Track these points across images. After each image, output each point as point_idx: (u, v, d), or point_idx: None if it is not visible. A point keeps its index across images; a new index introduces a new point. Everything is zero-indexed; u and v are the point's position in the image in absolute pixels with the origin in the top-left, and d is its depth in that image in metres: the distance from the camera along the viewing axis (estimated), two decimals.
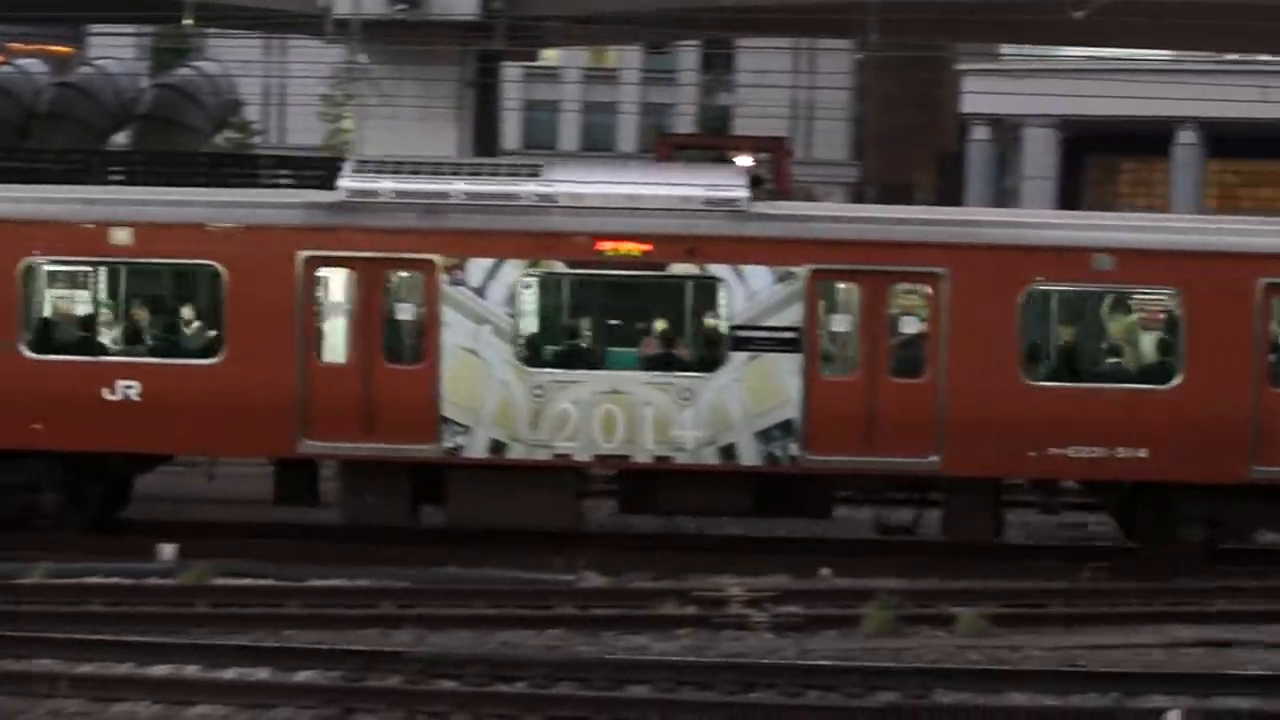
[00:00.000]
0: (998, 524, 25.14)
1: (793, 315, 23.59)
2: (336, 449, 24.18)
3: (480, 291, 23.66)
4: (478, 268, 23.67)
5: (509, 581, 23.14)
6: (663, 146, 46.89)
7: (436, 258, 23.70)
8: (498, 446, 23.78)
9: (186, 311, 24.67)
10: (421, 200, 23.96)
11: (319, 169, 26.42)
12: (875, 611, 21.11)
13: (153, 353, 24.35)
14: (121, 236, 23.97)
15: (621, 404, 23.70)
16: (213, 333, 24.20)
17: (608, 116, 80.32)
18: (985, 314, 23.66)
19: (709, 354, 24.05)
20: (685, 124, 76.63)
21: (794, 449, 23.69)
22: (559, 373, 23.86)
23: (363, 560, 23.73)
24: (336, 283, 24.06)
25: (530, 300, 24.35)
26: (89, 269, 24.65)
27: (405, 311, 24.14)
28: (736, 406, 23.64)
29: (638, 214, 23.85)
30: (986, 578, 23.93)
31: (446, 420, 23.76)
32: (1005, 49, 59.86)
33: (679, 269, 23.90)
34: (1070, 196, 61.72)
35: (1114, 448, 23.75)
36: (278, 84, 74.18)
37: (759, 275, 23.58)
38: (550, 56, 70.56)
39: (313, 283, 23.91)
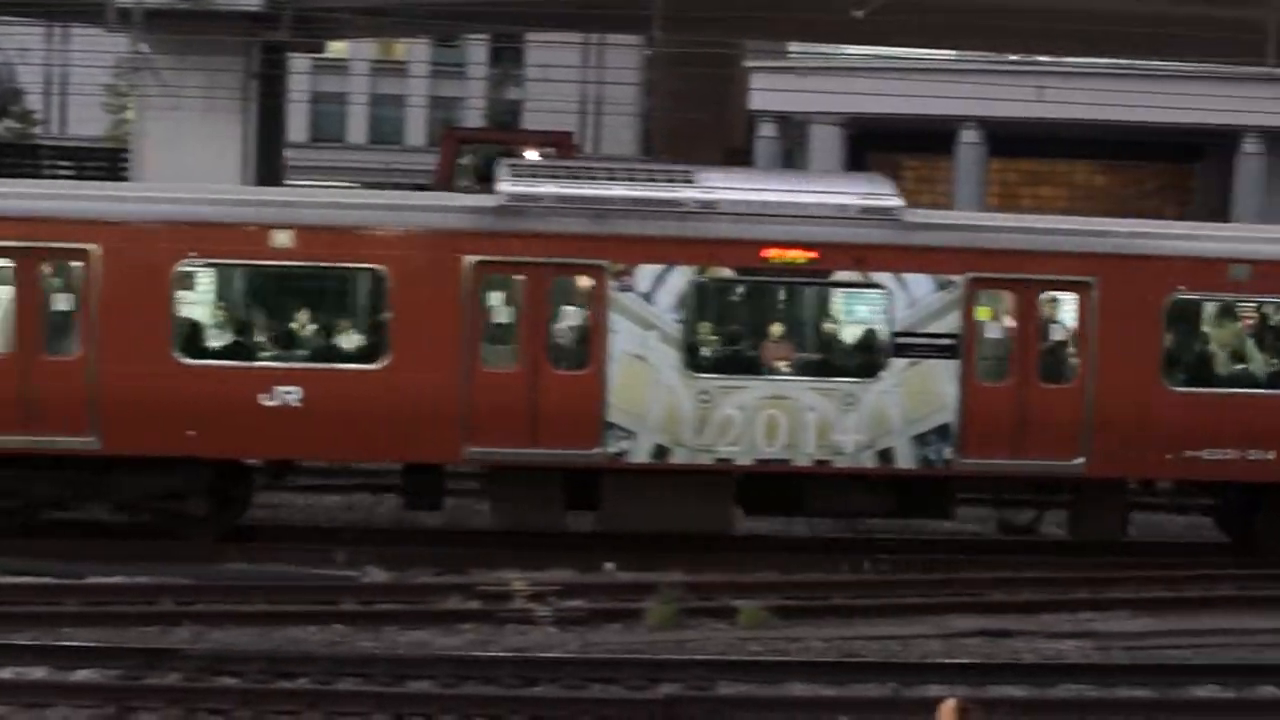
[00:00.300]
0: (1124, 523, 25.92)
1: (951, 322, 24.04)
2: (500, 455, 24.00)
3: (648, 297, 23.71)
4: (646, 273, 23.69)
5: (292, 577, 22.98)
6: (449, 140, 46.72)
7: (605, 263, 23.66)
8: (661, 451, 23.88)
9: (349, 315, 24.51)
10: (586, 205, 23.82)
11: (102, 160, 25.90)
12: (658, 605, 21.26)
13: (314, 358, 23.88)
14: (282, 239, 23.46)
15: (785, 409, 23.91)
16: (376, 338, 23.86)
17: (396, 109, 79.89)
18: (1130, 322, 24.30)
19: (871, 360, 24.29)
20: (474, 118, 76.43)
21: (948, 453, 24.12)
22: (725, 378, 23.95)
23: (144, 558, 23.44)
24: (503, 288, 24.04)
25: (697, 306, 24.29)
26: (247, 272, 24.35)
27: (572, 317, 24.13)
28: (896, 411, 24.01)
29: (802, 221, 24.00)
30: (768, 571, 24.17)
31: (611, 425, 23.77)
32: (792, 47, 60.30)
33: (844, 276, 24.22)
34: None
35: (1245, 450, 24.47)
36: (59, 73, 72.83)
37: (920, 283, 23.97)
38: (338, 48, 69.97)
39: (479, 287, 23.68)
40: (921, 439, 24.04)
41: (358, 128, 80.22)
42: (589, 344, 23.79)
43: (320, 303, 24.64)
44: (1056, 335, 24.63)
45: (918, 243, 24.08)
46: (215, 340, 24.01)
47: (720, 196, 24.04)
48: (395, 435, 23.57)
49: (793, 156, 64.02)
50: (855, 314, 25.01)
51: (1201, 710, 18.47)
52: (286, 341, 24.13)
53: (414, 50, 78.34)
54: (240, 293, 24.73)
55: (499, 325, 23.97)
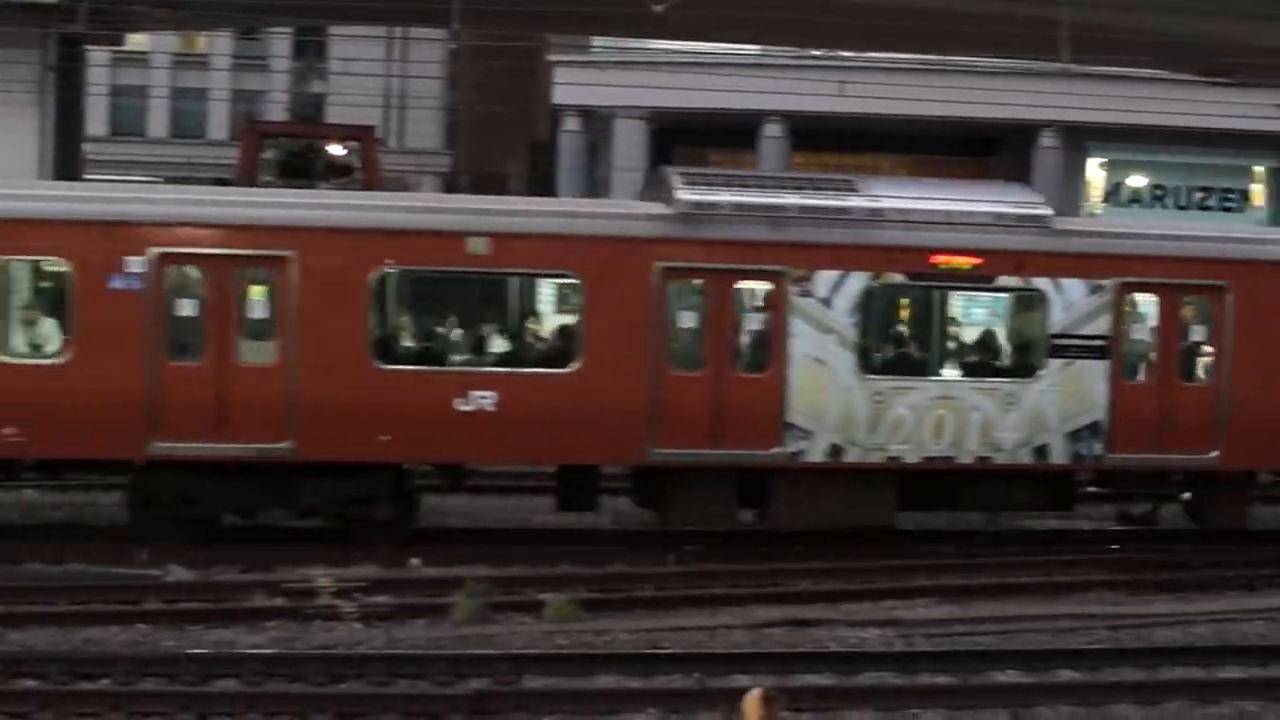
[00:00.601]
0: (1245, 514, 27.24)
1: (1102, 325, 25.33)
2: (685, 456, 24.48)
3: (827, 302, 24.57)
4: (825, 279, 24.52)
5: (93, 577, 22.63)
6: (250, 134, 46.10)
7: (786, 269, 24.36)
8: (836, 450, 24.69)
9: (542, 320, 25.23)
10: (764, 213, 24.48)
11: None
12: (464, 600, 21.22)
13: (507, 362, 24.38)
14: (478, 246, 23.80)
15: (951, 408, 24.94)
16: (567, 342, 24.48)
17: (198, 103, 78.78)
18: (1262, 325, 25.74)
19: (1030, 361, 25.50)
20: (277, 111, 75.63)
21: (1098, 448, 25.40)
22: (897, 379, 24.88)
23: None
24: (688, 293, 24.72)
25: (871, 310, 25.10)
26: (443, 278, 24.81)
27: (754, 321, 24.93)
28: (1052, 410, 25.20)
29: (967, 229, 25.01)
30: (575, 564, 24.23)
31: (790, 426, 24.48)
32: (595, 41, 60.35)
33: (1006, 281, 25.43)
34: None
35: None
36: None
37: (1074, 288, 25.22)
38: (138, 41, 68.86)
39: (665, 293, 24.20)
40: (1074, 435, 25.35)
41: (159, 121, 79.00)
42: (769, 347, 24.61)
43: (514, 308, 25.52)
44: (1195, 337, 26.24)
45: (1071, 249, 25.43)
46: (411, 346, 24.56)
47: (888, 205, 25.04)
48: (584, 438, 24.10)
49: (597, 150, 64.10)
50: (1016, 317, 26.59)
51: (1003, 695, 18.75)
52: (481, 346, 24.78)
53: (216, 43, 77.34)
54: (436, 298, 25.49)
55: (685, 330, 24.66)
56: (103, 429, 23.07)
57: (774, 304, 24.60)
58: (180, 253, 23.41)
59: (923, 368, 25.37)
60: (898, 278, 25.06)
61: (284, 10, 44.24)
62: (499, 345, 24.82)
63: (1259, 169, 64.72)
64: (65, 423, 23.00)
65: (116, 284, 23.15)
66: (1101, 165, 63.95)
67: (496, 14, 37.12)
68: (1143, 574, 24.98)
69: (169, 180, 58.28)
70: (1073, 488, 26.56)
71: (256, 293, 23.82)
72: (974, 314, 27.12)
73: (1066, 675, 19.68)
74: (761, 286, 24.82)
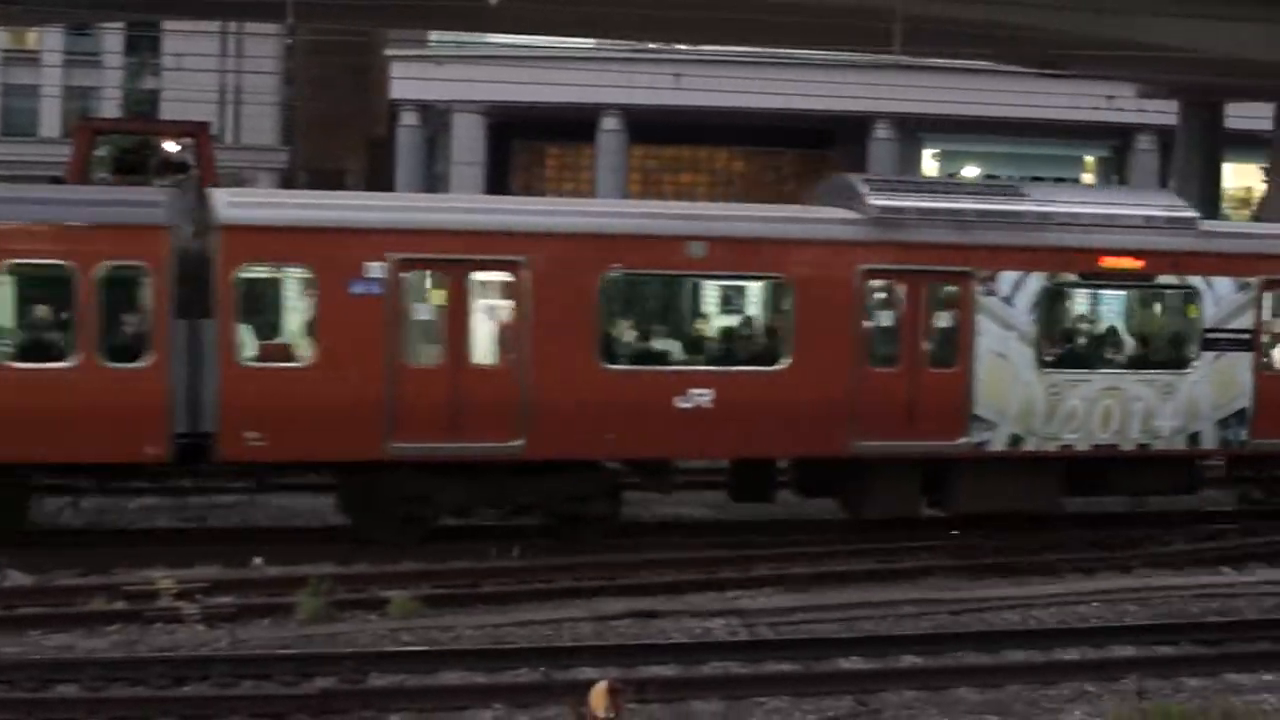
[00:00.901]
0: None
1: (1247, 319, 26.92)
2: (884, 448, 25.44)
3: (1009, 301, 25.85)
4: (1007, 279, 25.80)
5: None
6: (83, 131, 45.52)
7: (973, 270, 25.63)
8: (1015, 440, 26.01)
9: (752, 321, 25.96)
10: (948, 218, 25.75)
11: None
12: (308, 598, 21.07)
13: (723, 361, 25.06)
14: (697, 250, 24.54)
15: (1117, 399, 26.34)
16: (777, 341, 25.26)
17: (29, 100, 77.55)
18: None
19: (1185, 354, 26.97)
20: (110, 108, 74.63)
21: (1243, 434, 27.04)
22: (1070, 372, 26.24)
23: None
24: (885, 293, 25.69)
25: (1048, 308, 26.38)
26: (664, 281, 25.64)
27: (943, 319, 25.85)
28: (1205, 399, 26.69)
29: (1130, 231, 26.48)
30: (418, 560, 24.13)
31: (977, 418, 25.75)
32: (433, 35, 60.18)
33: (1165, 280, 27.00)
34: (498, 182, 62.61)
35: None
36: None
37: (1224, 285, 26.75)
38: None
39: (865, 293, 25.37)
40: (1223, 423, 26.85)
41: None
42: (957, 344, 25.76)
43: (729, 309, 26.48)
44: None
45: (1219, 249, 27.03)
46: (635, 346, 25.12)
47: (1055, 209, 26.43)
48: (791, 432, 25.03)
49: (435, 145, 63.93)
50: (1174, 313, 28.08)
51: (847, 681, 18.94)
52: (699, 346, 25.46)
53: (47, 39, 76.16)
54: (658, 300, 26.21)
55: (883, 329, 25.69)
56: (343, 431, 23.52)
57: (962, 303, 25.81)
58: (417, 258, 23.84)
59: (1092, 361, 26.75)
60: (1071, 277, 26.60)
61: (116, 5, 43.71)
62: (714, 345, 25.63)
63: (1089, 158, 65.89)
64: (307, 426, 23.36)
65: (357, 289, 23.52)
66: (935, 156, 64.81)
67: (332, 8, 36.88)
68: (982, 559, 25.29)
69: None
70: (1198, 472, 27.91)
71: (491, 295, 24.55)
72: (1138, 310, 28.51)
73: (909, 660, 19.93)
74: (951, 287, 25.92)
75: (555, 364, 24.04)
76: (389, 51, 61.97)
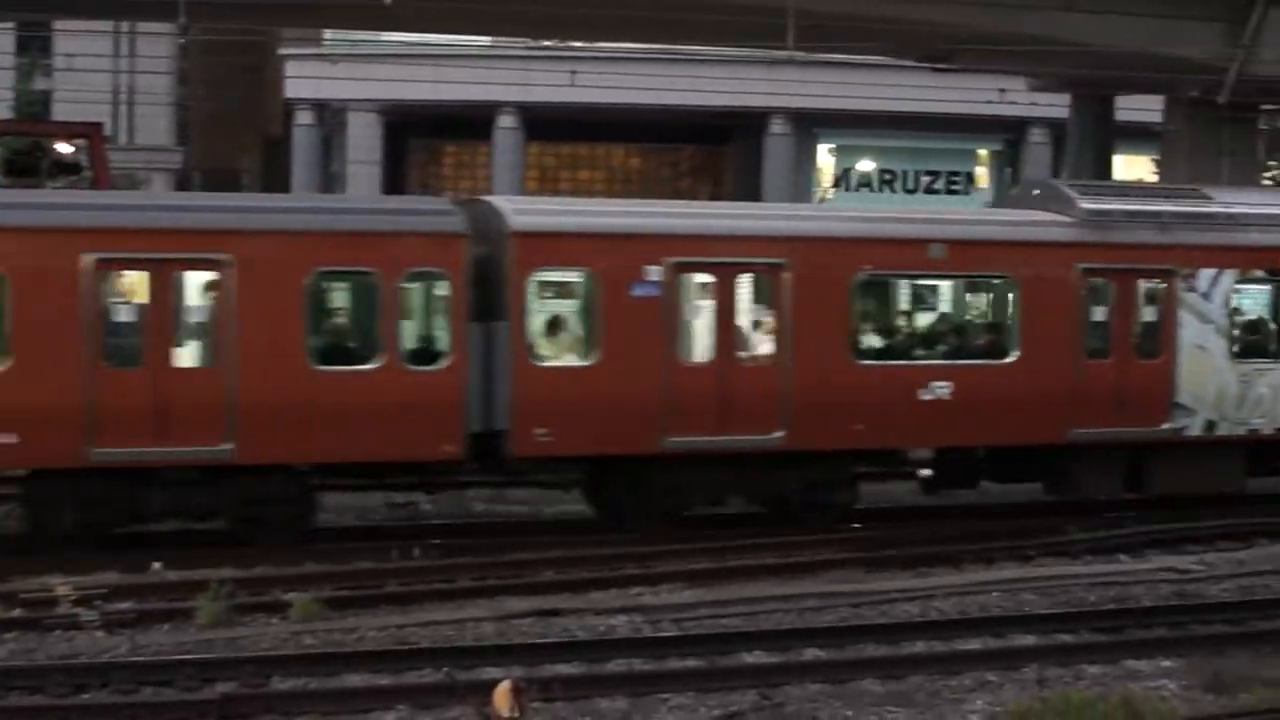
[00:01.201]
0: None
1: None
2: (1098, 434, 27.48)
3: (1206, 296, 28.00)
4: (1205, 276, 27.95)
5: None
6: None
7: (1175, 268, 27.73)
8: (1210, 425, 28.11)
9: (985, 317, 28.40)
10: (1151, 219, 27.80)
11: None
12: (208, 603, 20.92)
13: (959, 355, 27.24)
14: (937, 252, 26.59)
15: None
16: (1006, 336, 27.41)
17: None
18: None
19: None
20: (1, 109, 73.74)
21: None
22: (1259, 362, 28.45)
23: None
24: (1097, 290, 27.74)
25: (1239, 302, 28.76)
26: (908, 281, 27.97)
27: (1149, 314, 28.17)
28: None
29: None
30: (320, 561, 24.04)
31: (1178, 405, 27.83)
32: (328, 34, 59.87)
33: None
34: (394, 181, 62.39)
35: None
36: None
37: None
38: None
39: (1083, 291, 27.45)
40: None
41: None
42: (1161, 337, 27.88)
43: (963, 306, 28.89)
44: None
45: None
46: (882, 342, 27.13)
47: (1239, 210, 28.56)
48: (1017, 421, 26.83)
49: (331, 144, 63.65)
50: None
51: (751, 675, 19.01)
52: (938, 342, 27.68)
53: None
54: (901, 298, 28.33)
55: (1096, 323, 27.73)
56: (623, 427, 24.86)
57: (1166, 299, 27.93)
58: (692, 262, 25.37)
59: (1275, 351, 28.86)
60: (1259, 273, 28.85)
61: (5, 5, 43.20)
62: (951, 340, 27.73)
63: (983, 152, 66.33)
64: (590, 422, 24.66)
65: (637, 291, 24.91)
66: (831, 151, 65.00)
67: (225, 7, 36.61)
68: (883, 551, 25.45)
69: None
70: None
71: (758, 296, 26.24)
72: None
73: (812, 653, 20.03)
74: (1157, 284, 27.99)
75: (813, 360, 25.70)
76: (283, 50, 61.60)
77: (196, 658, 18.91)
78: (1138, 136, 52.06)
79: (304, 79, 59.81)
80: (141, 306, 23.77)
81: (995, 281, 27.81)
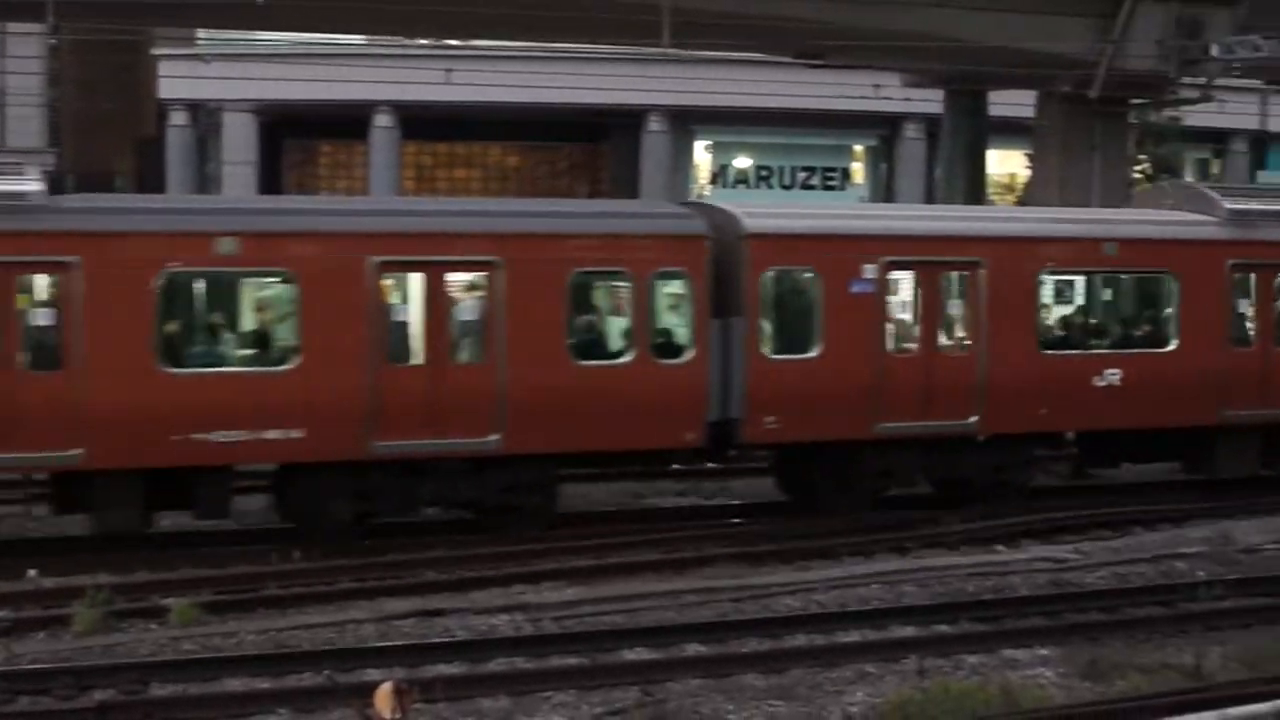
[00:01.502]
0: None
1: None
2: (1246, 416, 29.54)
3: None
4: None
5: None
6: None
7: None
8: None
9: (1149, 309, 30.28)
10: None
11: None
12: (85, 609, 20.71)
13: (1127, 344, 29.36)
14: (1110, 249, 28.99)
15: None
16: (1166, 327, 29.54)
17: None
18: None
19: None
20: None
21: None
22: None
23: None
24: (1242, 283, 30.01)
25: None
26: (1084, 277, 29.99)
27: None
28: None
29: None
30: (198, 566, 23.85)
31: None
32: (202, 34, 59.32)
33: None
34: (270, 181, 61.93)
35: None
36: None
37: None
38: None
39: (1232, 285, 29.65)
40: None
41: None
42: None
43: (1130, 299, 30.90)
44: None
45: None
46: (1064, 333, 29.31)
47: None
48: (1177, 405, 28.87)
49: (207, 145, 63.11)
50: None
51: (633, 672, 19.08)
52: (1109, 332, 29.84)
53: None
54: (1080, 294, 30.46)
55: (1242, 314, 30.03)
56: (841, 414, 26.60)
57: None
58: (902, 260, 27.34)
59: None
60: None
61: None
62: (1121, 331, 29.98)
63: (859, 148, 66.62)
64: (813, 411, 26.35)
65: (856, 288, 26.77)
66: (708, 148, 65.13)
67: (95, 7, 36.25)
68: (763, 545, 25.57)
69: None
70: None
71: (957, 292, 28.02)
72: None
73: (693, 649, 20.12)
74: None
75: (1006, 350, 27.64)
76: (157, 51, 61.00)
77: (73, 665, 18.71)
78: (1011, 131, 52.47)
79: (178, 79, 59.28)
80: (419, 307, 25.01)
81: (1159, 277, 29.84)
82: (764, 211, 28.36)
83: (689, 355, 26.01)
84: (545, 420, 25.04)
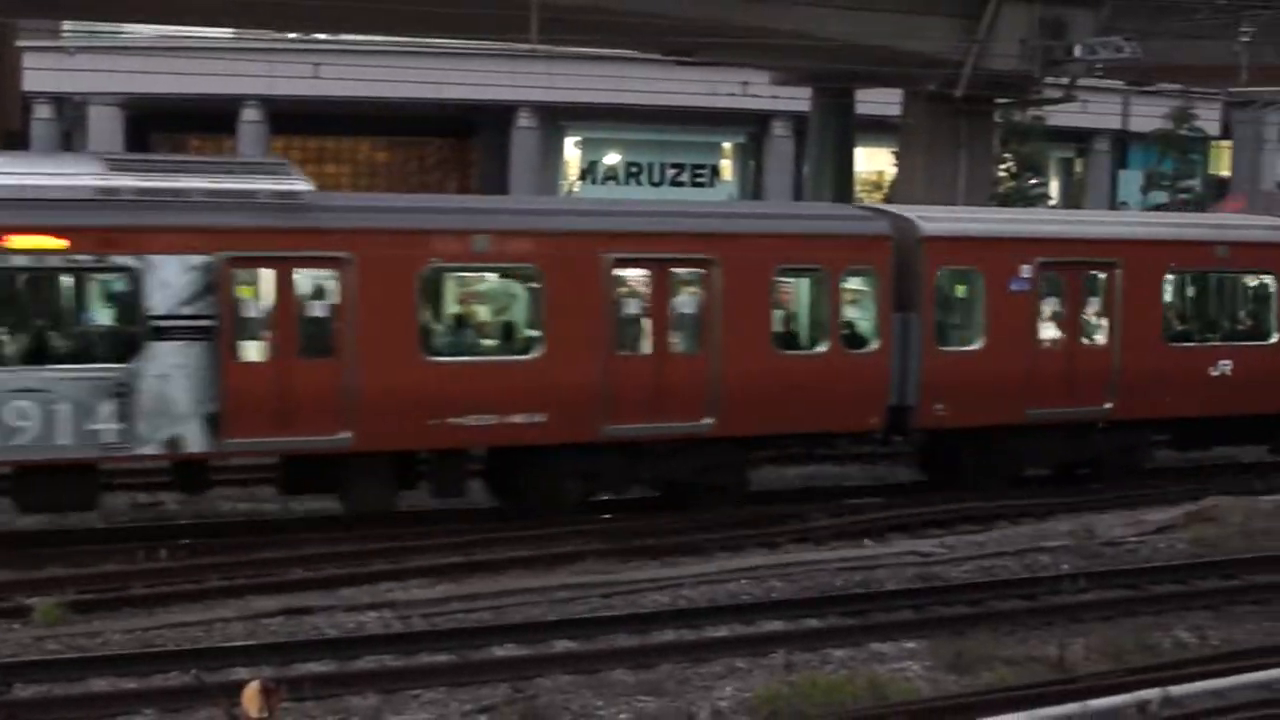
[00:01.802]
0: None
1: None
2: None
3: None
4: None
5: None
6: None
7: None
8: None
9: (1253, 304, 32.53)
10: None
11: None
12: None
13: (1236, 338, 31.77)
14: (1222, 252, 31.50)
15: None
16: (1267, 321, 32.03)
17: None
18: None
19: None
20: None
21: None
22: None
23: None
24: None
25: None
26: (1199, 276, 32.17)
27: None
28: None
29: None
30: (63, 565, 23.58)
31: None
32: (67, 25, 58.71)
33: None
34: None
35: None
36: None
37: None
38: None
39: None
40: None
41: None
42: None
43: (1239, 296, 32.86)
44: None
45: None
46: (1184, 327, 31.59)
47: None
48: (1275, 392, 31.48)
49: (72, 138, 62.47)
50: None
51: (502, 669, 19.10)
52: (1221, 326, 32.14)
53: None
54: (1195, 291, 32.43)
55: None
56: (998, 402, 28.85)
57: None
58: (1053, 261, 29.29)
59: None
60: None
61: None
62: (1231, 325, 32.28)
63: (727, 145, 67.03)
64: (975, 398, 28.53)
65: (1014, 286, 29.02)
66: (577, 144, 65.27)
67: None
68: (632, 541, 25.65)
69: None
70: None
71: (1095, 291, 30.29)
72: None
73: (563, 645, 20.14)
74: None
75: (1136, 342, 29.94)
76: (20, 43, 60.26)
77: None
78: (878, 129, 52.97)
79: (43, 71, 58.45)
80: (645, 300, 26.63)
81: (1263, 276, 32.14)
82: (939, 216, 30.48)
83: (874, 346, 28.04)
84: (749, 406, 26.83)
